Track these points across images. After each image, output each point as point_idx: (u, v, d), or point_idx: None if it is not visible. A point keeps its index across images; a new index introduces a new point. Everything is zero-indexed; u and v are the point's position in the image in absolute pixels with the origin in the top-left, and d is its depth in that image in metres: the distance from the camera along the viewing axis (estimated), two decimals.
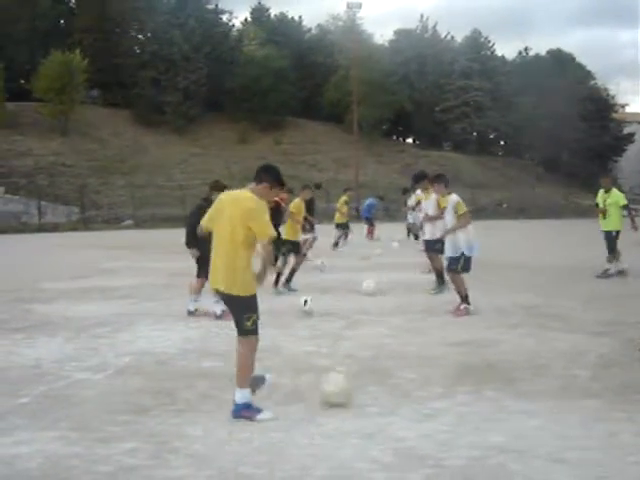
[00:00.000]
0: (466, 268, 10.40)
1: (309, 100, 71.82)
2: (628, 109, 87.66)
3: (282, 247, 13.10)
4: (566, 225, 41.80)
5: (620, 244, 15.02)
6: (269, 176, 5.77)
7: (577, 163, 72.39)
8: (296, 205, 13.61)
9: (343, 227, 23.62)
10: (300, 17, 79.31)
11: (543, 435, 5.05)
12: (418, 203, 14.07)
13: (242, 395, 5.55)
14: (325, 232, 24.79)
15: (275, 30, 72.96)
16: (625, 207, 14.96)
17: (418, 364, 7.18)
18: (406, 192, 19.96)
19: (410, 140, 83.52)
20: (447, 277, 12.29)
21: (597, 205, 15.40)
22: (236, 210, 5.58)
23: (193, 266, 10.77)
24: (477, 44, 78.51)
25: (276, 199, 16.40)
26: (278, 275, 12.87)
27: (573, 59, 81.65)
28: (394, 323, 9.64)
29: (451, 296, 11.15)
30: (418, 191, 15.01)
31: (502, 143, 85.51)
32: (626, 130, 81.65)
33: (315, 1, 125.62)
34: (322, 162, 62.69)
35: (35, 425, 5.41)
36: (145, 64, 62.04)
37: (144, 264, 18.95)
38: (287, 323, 9.52)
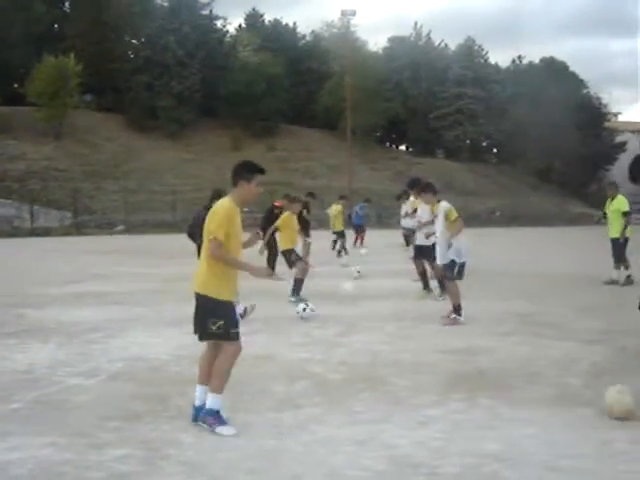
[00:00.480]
0: (460, 275, 10.38)
1: (303, 107, 71.95)
2: (620, 118, 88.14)
3: (289, 256, 12.84)
4: (558, 233, 41.94)
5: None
6: (242, 172, 5.66)
7: (569, 171, 72.72)
8: (284, 220, 13.00)
9: (342, 235, 23.54)
10: (294, 24, 79.64)
11: (536, 443, 5.04)
12: (415, 210, 14.02)
13: (214, 401, 5.43)
14: (321, 237, 24.82)
15: (269, 36, 73.08)
16: (626, 214, 14.51)
17: (412, 371, 7.17)
18: (400, 198, 19.94)
19: (403, 147, 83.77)
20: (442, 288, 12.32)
21: (604, 214, 15.20)
22: (207, 218, 5.61)
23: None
24: (471, 52, 78.84)
25: (277, 204, 16.37)
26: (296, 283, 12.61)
27: (566, 68, 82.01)
28: (388, 330, 9.63)
29: (437, 305, 11.19)
30: (412, 197, 15.00)
31: (495, 151, 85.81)
32: (618, 139, 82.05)
33: (309, 8, 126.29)
34: (315, 169, 62.75)
35: (27, 431, 5.38)
36: (139, 69, 62.10)
37: (137, 270, 18.91)
38: (281, 330, 9.50)
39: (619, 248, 14.59)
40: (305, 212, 17.64)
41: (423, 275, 13.20)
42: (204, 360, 5.69)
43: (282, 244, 13.04)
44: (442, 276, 12.39)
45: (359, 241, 27.62)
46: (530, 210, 57.86)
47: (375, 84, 66.54)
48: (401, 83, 73.07)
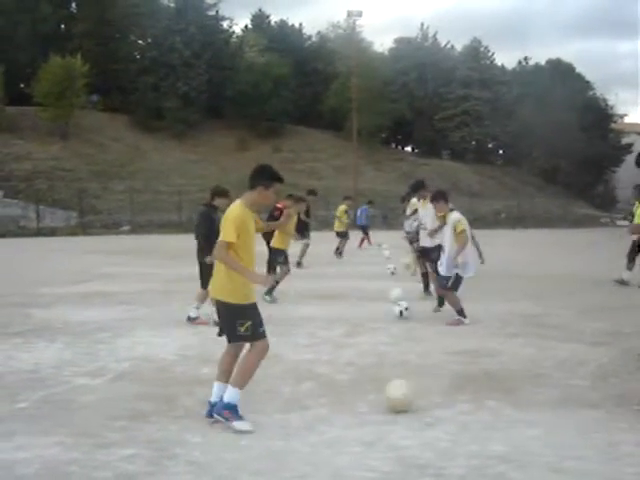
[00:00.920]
0: (455, 287, 10.33)
1: (308, 107, 71.90)
2: (627, 120, 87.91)
3: (278, 257, 12.95)
4: (564, 234, 41.85)
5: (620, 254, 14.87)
6: (262, 176, 5.72)
7: (575, 173, 72.56)
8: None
9: (343, 235, 23.66)
10: (300, 24, 79.53)
11: (543, 445, 5.04)
12: (414, 212, 14.00)
13: (233, 395, 5.48)
14: (324, 239, 24.85)
15: (275, 37, 73.02)
16: None
17: (418, 373, 7.17)
18: (403, 201, 19.93)
19: (409, 148, 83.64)
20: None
21: (632, 215, 15.25)
22: (222, 222, 5.67)
23: (192, 273, 10.76)
24: (477, 53, 78.66)
25: (279, 206, 16.35)
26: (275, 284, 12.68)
27: (573, 69, 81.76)
28: (393, 331, 9.63)
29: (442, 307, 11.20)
30: (414, 199, 14.96)
31: (501, 152, 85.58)
32: (624, 140, 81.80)
33: (315, 9, 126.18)
34: (321, 170, 62.72)
35: (34, 430, 5.40)
36: (145, 70, 62.16)
37: (143, 270, 18.94)
38: (286, 331, 9.51)
39: (634, 248, 14.65)
40: (304, 215, 17.69)
41: (425, 276, 13.18)
42: (225, 360, 5.78)
43: (276, 242, 13.07)
44: (440, 286, 12.43)
45: (365, 243, 27.68)
46: (535, 212, 57.75)
47: (381, 85, 66.49)
48: (407, 84, 72.98)
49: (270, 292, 12.42)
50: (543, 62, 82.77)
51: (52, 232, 40.89)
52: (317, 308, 11.77)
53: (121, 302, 12.73)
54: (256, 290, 5.81)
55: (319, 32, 79.00)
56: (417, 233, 13.70)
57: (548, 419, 5.65)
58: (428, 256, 12.62)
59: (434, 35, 79.91)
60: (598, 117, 76.90)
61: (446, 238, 10.58)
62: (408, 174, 57.66)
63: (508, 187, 68.83)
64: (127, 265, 20.56)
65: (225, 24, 71.39)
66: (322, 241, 24.07)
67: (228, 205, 6.11)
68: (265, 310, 5.74)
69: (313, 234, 20.84)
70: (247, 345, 5.70)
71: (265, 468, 4.63)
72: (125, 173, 54.02)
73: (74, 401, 6.24)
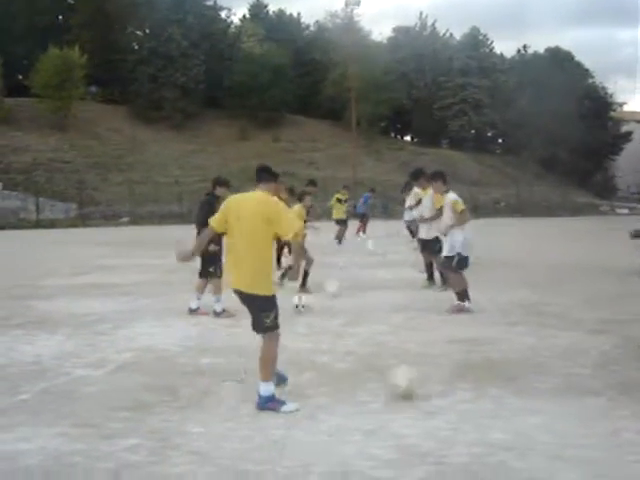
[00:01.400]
0: (461, 266, 10.37)
1: (307, 97, 71.75)
2: (626, 108, 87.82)
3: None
4: (563, 223, 41.85)
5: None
6: (271, 175, 6.12)
7: (574, 161, 72.46)
8: (299, 212, 13.14)
9: (342, 223, 23.77)
10: (298, 14, 79.37)
11: (544, 433, 5.06)
12: (419, 202, 13.97)
13: (266, 388, 5.67)
14: (323, 229, 24.83)
15: (273, 27, 72.86)
16: None
17: (418, 361, 7.17)
18: (404, 191, 19.92)
19: (408, 137, 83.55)
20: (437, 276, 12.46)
21: None
22: (257, 212, 5.74)
23: (192, 264, 10.74)
24: (476, 42, 78.47)
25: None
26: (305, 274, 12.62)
27: (572, 57, 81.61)
28: (393, 320, 9.64)
29: (442, 295, 11.20)
30: (415, 189, 14.95)
31: (500, 141, 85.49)
32: (624, 129, 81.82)
33: None
34: (320, 159, 62.62)
35: (36, 421, 5.41)
36: (143, 60, 61.97)
37: (143, 261, 18.94)
38: (286, 320, 9.44)
39: None
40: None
41: (429, 266, 13.19)
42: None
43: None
44: (431, 267, 12.51)
45: (362, 230, 27.68)
46: (535, 200, 57.74)
47: (379, 74, 66.24)
48: (406, 73, 72.77)
49: (302, 284, 12.39)
50: (542, 50, 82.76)
51: (52, 224, 40.85)
52: (316, 297, 11.76)
53: (122, 293, 12.74)
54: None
55: (317, 21, 78.96)
56: (417, 225, 13.74)
57: (549, 407, 5.66)
58: (428, 248, 12.65)
59: (433, 24, 79.74)
60: (597, 105, 76.84)
61: (444, 220, 10.61)
62: (407, 163, 57.55)
63: (507, 176, 68.83)
64: (127, 256, 20.55)
65: (223, 14, 71.39)
66: (321, 231, 24.04)
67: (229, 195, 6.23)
68: None
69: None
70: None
71: (267, 457, 4.64)
72: (124, 164, 53.96)
73: (76, 392, 6.25)
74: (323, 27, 77.09)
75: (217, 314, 9.96)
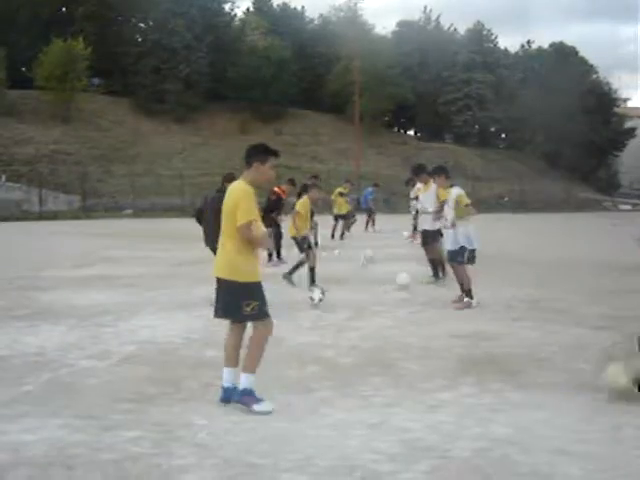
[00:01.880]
0: (472, 260, 10.39)
1: (310, 91, 71.58)
2: (630, 103, 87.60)
3: (302, 244, 12.74)
4: (566, 219, 41.80)
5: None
6: (256, 153, 5.75)
7: (578, 157, 72.27)
8: (304, 204, 12.86)
9: (345, 217, 23.81)
10: (302, 7, 79.16)
11: (547, 428, 5.06)
12: (416, 198, 14.06)
13: (247, 380, 5.53)
14: (326, 223, 24.84)
15: (277, 20, 72.68)
16: None
17: (422, 356, 7.19)
18: (408, 184, 19.94)
19: (412, 132, 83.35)
20: (442, 272, 12.53)
21: None
22: (228, 201, 5.66)
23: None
24: (480, 36, 78.27)
25: (277, 191, 16.29)
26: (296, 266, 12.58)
27: (576, 53, 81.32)
28: (397, 315, 9.66)
29: (446, 290, 11.20)
30: (418, 184, 14.97)
31: (503, 136, 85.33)
32: (627, 124, 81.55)
33: None
34: (323, 153, 62.58)
35: (40, 412, 5.42)
36: (147, 52, 61.85)
37: (146, 253, 18.96)
38: (290, 314, 9.51)
39: None
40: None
41: (432, 262, 13.20)
42: (229, 343, 5.79)
43: (296, 230, 12.69)
44: (436, 261, 12.57)
45: (370, 225, 27.71)
46: (538, 196, 57.65)
47: (383, 68, 66.07)
48: (410, 68, 72.54)
49: (312, 281, 12.17)
50: (546, 45, 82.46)
51: (54, 216, 40.88)
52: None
53: (125, 285, 12.76)
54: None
55: (321, 15, 78.67)
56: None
57: (552, 402, 5.67)
58: (430, 239, 12.68)
59: (437, 18, 79.58)
60: (601, 101, 76.54)
61: (447, 214, 10.62)
62: (411, 158, 57.51)
63: (511, 171, 68.65)
64: (130, 248, 20.56)
65: (227, 7, 71.10)
66: (324, 225, 24.06)
67: None
68: (267, 294, 5.75)
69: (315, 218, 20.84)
70: (249, 329, 5.72)
71: (270, 450, 4.65)
72: (127, 157, 53.95)
73: (79, 384, 6.26)
74: (327, 21, 76.87)
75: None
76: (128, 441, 4.82)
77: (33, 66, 54.18)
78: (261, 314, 5.58)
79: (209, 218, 10.16)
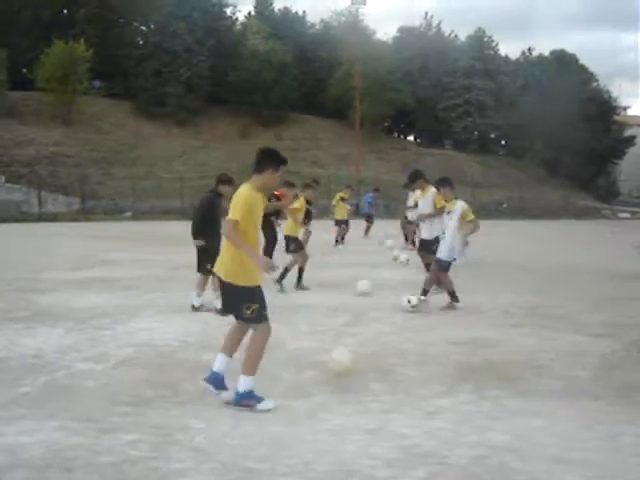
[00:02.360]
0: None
1: (311, 95, 71.65)
2: (629, 112, 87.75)
3: (290, 244, 12.89)
4: (565, 226, 41.82)
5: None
6: (271, 160, 5.81)
7: (578, 165, 72.31)
8: (300, 203, 13.53)
9: (342, 224, 23.73)
10: (304, 12, 79.27)
11: (545, 435, 5.05)
12: (416, 205, 14.03)
13: (245, 383, 5.58)
14: (326, 228, 24.86)
15: (278, 25, 72.74)
16: None
17: (420, 362, 7.19)
18: (407, 187, 19.95)
19: (411, 138, 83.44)
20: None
21: None
22: (231, 204, 5.75)
23: (193, 259, 10.76)
24: (481, 43, 78.41)
25: (276, 194, 16.34)
26: (285, 271, 12.64)
27: (576, 60, 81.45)
28: (395, 320, 9.65)
29: (444, 296, 11.23)
30: (417, 191, 14.98)
31: (503, 143, 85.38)
32: (627, 133, 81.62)
33: None
34: (323, 158, 62.62)
35: (37, 415, 5.41)
36: (148, 56, 61.90)
37: (145, 256, 18.95)
38: (288, 319, 9.51)
39: None
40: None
41: (428, 267, 13.20)
42: (232, 332, 5.91)
43: (289, 229, 13.04)
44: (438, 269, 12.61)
45: (368, 231, 27.61)
46: (537, 203, 57.65)
47: (384, 74, 66.15)
48: (410, 73, 72.61)
49: (281, 280, 12.34)
50: (547, 53, 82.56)
51: (54, 218, 40.87)
52: (319, 296, 11.78)
53: (123, 288, 12.75)
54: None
55: (322, 20, 78.79)
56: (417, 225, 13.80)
57: (550, 410, 5.66)
58: (427, 248, 12.66)
59: (438, 24, 79.66)
60: (601, 109, 76.61)
61: (448, 224, 10.68)
62: (411, 163, 57.52)
63: (510, 178, 68.67)
64: (129, 251, 20.55)
65: (228, 11, 71.27)
66: (323, 230, 24.07)
67: (233, 193, 6.12)
68: (267, 297, 5.76)
69: (314, 222, 20.82)
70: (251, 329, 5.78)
71: (268, 455, 4.64)
72: (127, 159, 53.98)
73: (77, 386, 6.25)
74: (328, 26, 77.00)
75: (218, 311, 9.94)
76: (126, 444, 4.81)
77: (34, 68, 54.28)
78: (260, 317, 5.65)
79: (195, 211, 10.75)
